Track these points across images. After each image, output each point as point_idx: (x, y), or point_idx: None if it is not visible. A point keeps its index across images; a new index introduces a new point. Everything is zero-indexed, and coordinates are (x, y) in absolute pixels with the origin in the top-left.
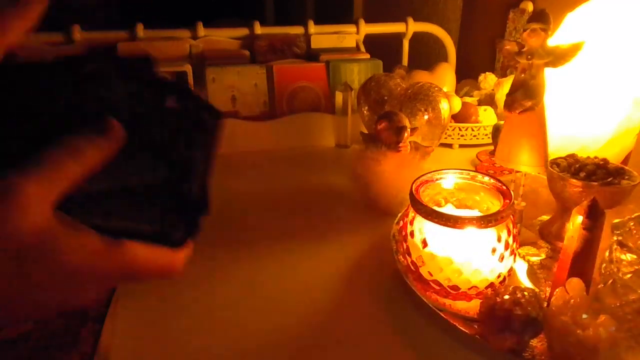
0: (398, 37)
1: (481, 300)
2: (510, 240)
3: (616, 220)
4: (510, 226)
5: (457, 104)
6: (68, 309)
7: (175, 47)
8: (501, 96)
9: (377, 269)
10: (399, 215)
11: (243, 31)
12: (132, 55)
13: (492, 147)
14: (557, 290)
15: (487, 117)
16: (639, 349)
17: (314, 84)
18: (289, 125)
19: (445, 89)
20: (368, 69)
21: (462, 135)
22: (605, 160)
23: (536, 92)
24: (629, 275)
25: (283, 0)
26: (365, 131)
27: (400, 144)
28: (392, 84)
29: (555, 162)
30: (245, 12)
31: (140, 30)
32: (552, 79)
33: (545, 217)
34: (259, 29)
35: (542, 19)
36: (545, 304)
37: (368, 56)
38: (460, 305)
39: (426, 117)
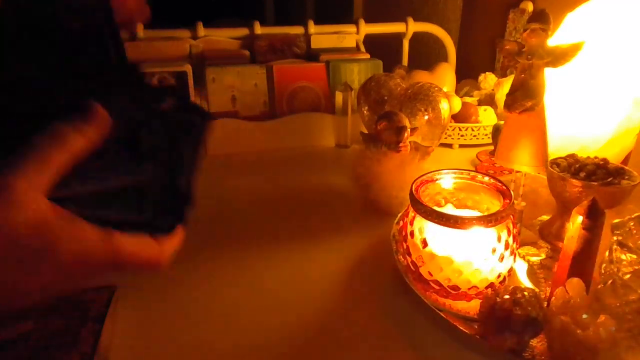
0: (398, 37)
1: (481, 300)
2: (510, 240)
3: (616, 220)
4: (510, 226)
5: (457, 104)
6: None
7: (175, 47)
8: (501, 96)
9: (377, 269)
10: (399, 215)
11: (243, 31)
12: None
13: (492, 147)
14: (557, 290)
15: (487, 117)
16: (639, 349)
17: (314, 84)
18: (289, 125)
19: (445, 89)
20: (368, 69)
21: (462, 135)
22: (605, 160)
23: (536, 92)
24: (628, 275)
25: (283, 0)
26: (365, 131)
27: (400, 144)
28: (392, 84)
29: (555, 162)
30: (245, 12)
31: (140, 30)
32: (552, 79)
33: (545, 217)
34: (259, 29)
35: (542, 19)
36: (545, 304)
37: (368, 56)
38: (460, 305)
39: (426, 117)
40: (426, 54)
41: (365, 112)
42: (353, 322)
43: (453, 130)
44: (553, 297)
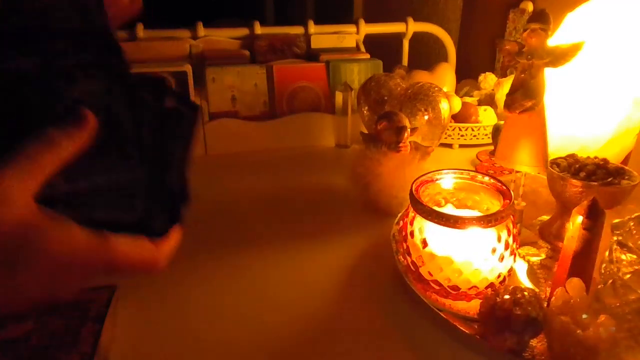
0: (398, 37)
1: (481, 300)
2: (510, 240)
3: (616, 220)
4: (510, 226)
5: (457, 104)
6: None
7: (175, 47)
8: (501, 96)
9: (377, 269)
10: (399, 215)
11: (243, 31)
12: (113, 55)
13: (492, 147)
14: (557, 290)
15: (487, 117)
16: (639, 349)
17: (314, 84)
18: (289, 125)
19: (445, 89)
20: (368, 69)
21: (462, 135)
22: (605, 160)
23: (536, 92)
24: (628, 275)
25: (283, 0)
26: (365, 131)
27: (400, 144)
28: (392, 84)
29: (555, 162)
30: (245, 12)
31: (140, 30)
32: (552, 79)
33: (545, 217)
34: (259, 29)
35: (542, 19)
36: (545, 304)
37: (368, 56)
38: (460, 305)
39: (426, 117)
40: (426, 54)
41: (365, 112)
42: (353, 322)
43: (453, 130)
44: (553, 297)
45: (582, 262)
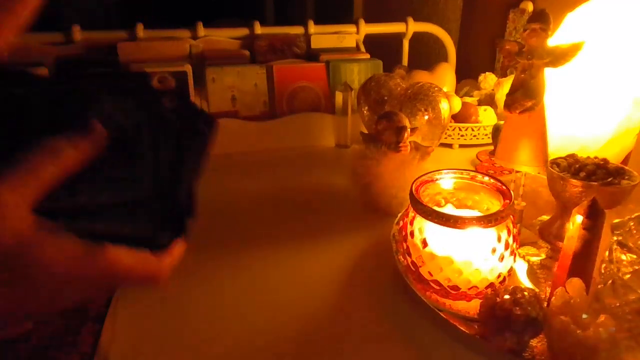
0: (398, 37)
1: (481, 300)
2: (510, 240)
3: (616, 220)
4: (510, 226)
5: (457, 104)
6: (51, 312)
7: (175, 47)
8: (501, 96)
9: (377, 269)
10: (399, 215)
11: (243, 31)
12: (127, 70)
13: (492, 147)
14: (557, 290)
15: (487, 117)
16: (639, 349)
17: (314, 84)
18: (289, 125)
19: (445, 89)
20: (368, 69)
21: (462, 135)
22: (605, 160)
23: (536, 92)
24: (628, 275)
25: (283, 0)
26: (365, 131)
27: (400, 144)
28: (392, 84)
29: (555, 162)
30: (245, 12)
31: (140, 30)
32: (552, 79)
33: (545, 217)
34: (259, 29)
35: (542, 19)
36: (545, 304)
37: (368, 56)
38: (460, 305)
39: (426, 117)
40: (426, 54)
41: (365, 112)
42: (353, 322)
43: (453, 130)
44: (553, 297)
45: (582, 262)
